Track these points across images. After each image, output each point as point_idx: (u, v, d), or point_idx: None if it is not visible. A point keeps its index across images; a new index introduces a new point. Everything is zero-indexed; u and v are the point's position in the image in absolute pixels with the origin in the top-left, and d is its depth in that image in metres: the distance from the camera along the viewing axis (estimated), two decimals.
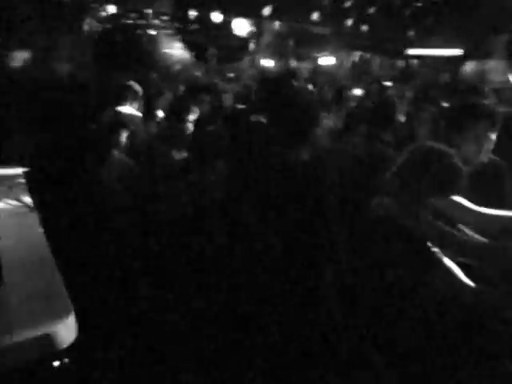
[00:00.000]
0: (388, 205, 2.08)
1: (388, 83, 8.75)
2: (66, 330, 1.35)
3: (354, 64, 13.34)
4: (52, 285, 1.50)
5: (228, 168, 3.04)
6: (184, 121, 3.66)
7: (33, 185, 2.33)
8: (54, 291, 1.47)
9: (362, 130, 3.33)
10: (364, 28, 11.80)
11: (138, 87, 2.84)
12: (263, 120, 3.21)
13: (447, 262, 1.94)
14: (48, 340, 1.31)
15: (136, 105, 3.16)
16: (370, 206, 2.15)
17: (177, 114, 3.78)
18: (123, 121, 2.79)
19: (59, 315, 1.37)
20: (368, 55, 13.49)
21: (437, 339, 1.89)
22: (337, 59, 12.53)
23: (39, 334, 1.30)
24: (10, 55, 4.96)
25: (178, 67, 8.96)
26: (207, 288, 2.75)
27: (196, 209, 2.98)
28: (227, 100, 5.54)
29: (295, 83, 3.41)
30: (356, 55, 13.59)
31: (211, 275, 2.78)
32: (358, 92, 6.78)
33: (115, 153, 3.06)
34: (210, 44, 10.39)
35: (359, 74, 11.85)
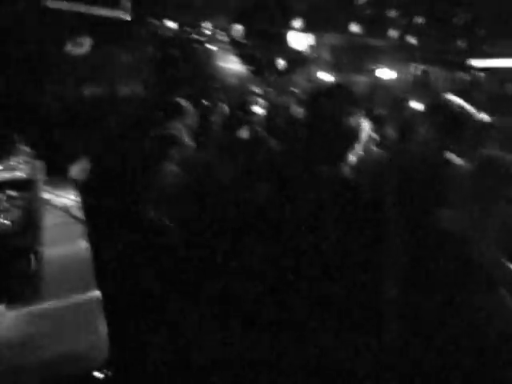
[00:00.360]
0: (452, 218, 1.94)
1: (452, 96, 8.42)
2: (98, 347, 1.32)
3: (415, 77, 12.97)
4: (89, 301, 1.48)
5: (278, 182, 3.01)
6: (237, 133, 3.66)
7: (83, 195, 2.37)
8: (90, 307, 1.44)
9: (426, 138, 3.13)
10: (417, 40, 11.40)
11: (185, 103, 2.86)
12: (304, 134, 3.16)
13: (502, 290, 1.79)
14: (79, 357, 1.28)
15: (187, 120, 3.20)
16: (434, 218, 2.02)
17: (231, 127, 3.80)
18: (174, 135, 2.82)
19: (92, 331, 1.34)
20: (430, 68, 13.08)
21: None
22: (396, 72, 12.23)
23: (70, 350, 1.27)
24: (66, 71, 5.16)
25: (234, 81, 9.05)
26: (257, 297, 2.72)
27: (244, 221, 2.96)
28: (282, 114, 5.51)
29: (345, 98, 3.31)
30: (417, 68, 13.21)
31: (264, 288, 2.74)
32: (418, 106, 6.59)
33: (167, 165, 3.09)
34: (267, 57, 10.44)
35: (420, 86, 11.49)
